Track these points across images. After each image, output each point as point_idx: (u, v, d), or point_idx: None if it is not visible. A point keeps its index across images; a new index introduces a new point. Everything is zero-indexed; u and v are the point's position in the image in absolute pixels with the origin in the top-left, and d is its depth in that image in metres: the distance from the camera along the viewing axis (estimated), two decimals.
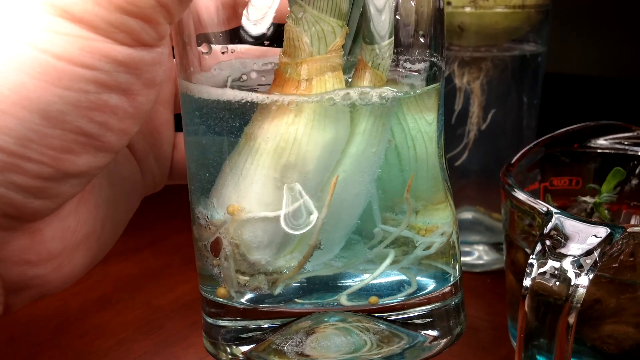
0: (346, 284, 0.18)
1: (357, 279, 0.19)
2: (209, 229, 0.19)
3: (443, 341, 0.20)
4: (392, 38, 0.17)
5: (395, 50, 0.19)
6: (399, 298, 0.19)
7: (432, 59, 0.20)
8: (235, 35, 0.19)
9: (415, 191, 0.19)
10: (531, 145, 0.33)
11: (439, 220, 0.19)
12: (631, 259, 0.26)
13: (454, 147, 0.42)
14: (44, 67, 0.13)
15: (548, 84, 0.44)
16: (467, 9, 0.37)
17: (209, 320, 0.20)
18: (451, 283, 0.21)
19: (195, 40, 0.19)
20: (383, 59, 0.17)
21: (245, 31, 0.18)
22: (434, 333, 0.20)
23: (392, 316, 0.19)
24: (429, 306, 0.20)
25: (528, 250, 0.29)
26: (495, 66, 0.40)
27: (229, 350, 0.19)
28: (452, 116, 0.41)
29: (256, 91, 0.18)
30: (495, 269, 0.43)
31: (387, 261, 0.18)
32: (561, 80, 0.60)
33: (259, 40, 0.18)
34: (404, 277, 0.19)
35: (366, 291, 0.19)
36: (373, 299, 0.18)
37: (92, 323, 0.37)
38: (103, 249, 0.20)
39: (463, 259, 0.44)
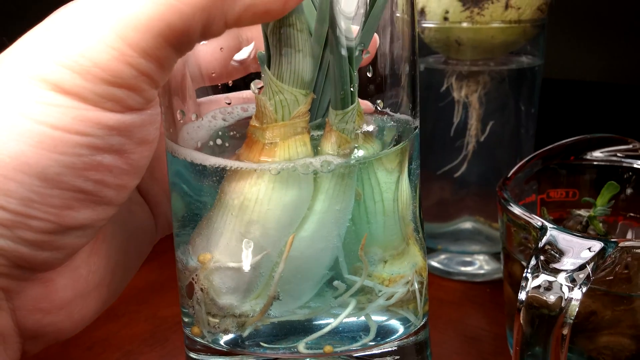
0: (312, 330, 0.20)
1: (323, 324, 0.20)
2: (185, 273, 0.20)
3: None
4: (355, 104, 0.18)
5: (377, 106, 0.20)
6: (359, 344, 0.20)
7: (403, 118, 0.21)
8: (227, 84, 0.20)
9: (384, 242, 0.20)
10: (528, 158, 0.34)
11: (404, 270, 0.20)
12: (626, 271, 0.26)
13: (453, 158, 0.42)
14: (41, 137, 0.15)
15: (546, 89, 0.44)
16: (464, 24, 0.38)
17: (189, 354, 0.22)
18: (416, 327, 0.22)
19: (185, 97, 0.20)
20: (347, 122, 0.18)
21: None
22: None
23: (357, 353, 0.20)
24: (394, 344, 0.21)
25: (524, 263, 0.29)
26: (493, 79, 0.41)
27: None
28: (451, 129, 0.42)
29: (228, 153, 0.19)
30: (496, 278, 0.43)
31: (347, 310, 0.19)
32: (559, 86, 0.61)
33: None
34: (367, 323, 0.20)
35: (329, 337, 0.20)
36: (328, 348, 0.20)
37: (99, 336, 0.37)
38: (113, 295, 0.21)
39: (464, 268, 0.44)
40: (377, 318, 0.20)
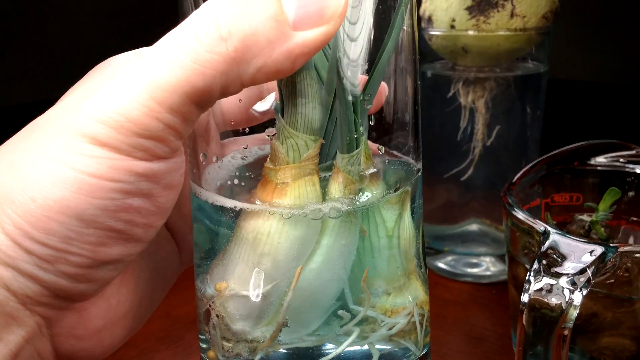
0: (319, 357, 0.21)
1: (327, 352, 0.21)
2: (203, 300, 0.21)
3: None
4: (360, 148, 0.20)
5: (382, 149, 0.21)
6: None
7: (406, 160, 0.23)
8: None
9: (387, 276, 0.22)
10: (532, 163, 0.35)
11: (406, 303, 0.22)
12: (626, 274, 0.27)
13: (460, 162, 0.43)
14: (80, 184, 0.17)
15: (551, 89, 0.45)
16: (470, 32, 0.39)
17: None
18: (416, 357, 0.23)
19: (209, 141, 0.22)
20: (352, 165, 0.20)
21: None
22: None
23: None
24: None
25: (528, 266, 0.30)
26: (499, 85, 0.41)
27: None
28: (458, 133, 0.42)
29: (245, 192, 0.21)
30: (502, 280, 0.44)
31: (351, 338, 0.21)
32: (564, 87, 0.61)
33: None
34: (370, 351, 0.22)
35: None
36: None
37: None
38: (139, 323, 0.23)
39: (470, 270, 0.45)
40: (380, 347, 0.22)
